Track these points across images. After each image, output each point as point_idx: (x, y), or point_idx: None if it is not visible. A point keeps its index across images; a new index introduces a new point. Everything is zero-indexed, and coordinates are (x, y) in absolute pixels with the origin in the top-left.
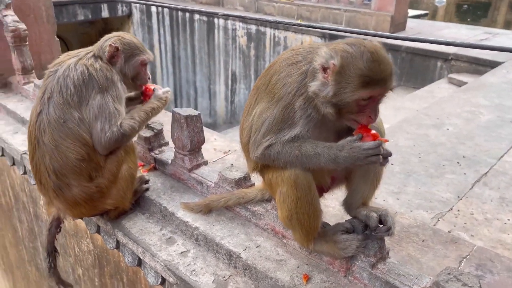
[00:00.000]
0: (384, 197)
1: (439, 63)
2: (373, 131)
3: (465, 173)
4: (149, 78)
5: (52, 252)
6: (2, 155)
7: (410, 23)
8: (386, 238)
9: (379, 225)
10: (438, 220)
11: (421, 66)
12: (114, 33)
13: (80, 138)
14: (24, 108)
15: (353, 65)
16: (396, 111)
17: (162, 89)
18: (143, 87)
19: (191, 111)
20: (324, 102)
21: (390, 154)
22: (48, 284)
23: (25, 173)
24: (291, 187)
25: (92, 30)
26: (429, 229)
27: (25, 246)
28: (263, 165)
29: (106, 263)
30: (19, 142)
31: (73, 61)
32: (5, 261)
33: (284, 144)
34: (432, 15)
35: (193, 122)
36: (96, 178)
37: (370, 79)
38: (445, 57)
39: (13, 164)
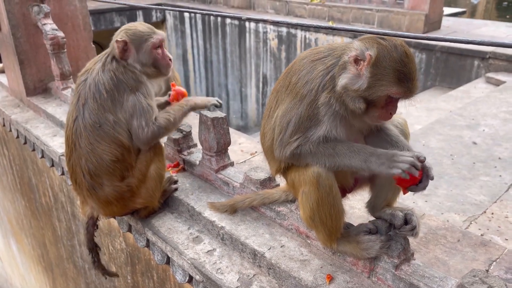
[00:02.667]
0: (413, 199)
1: (476, 62)
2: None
3: (500, 175)
4: (170, 60)
5: (93, 248)
6: (42, 156)
7: (446, 21)
8: (413, 240)
9: (404, 225)
10: (470, 223)
11: (457, 66)
12: (121, 28)
13: (116, 140)
14: (62, 112)
15: (389, 57)
16: (430, 112)
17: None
18: (173, 91)
19: (217, 113)
20: (355, 96)
21: (424, 187)
22: (85, 281)
23: (63, 174)
24: (313, 187)
25: None
26: (458, 231)
27: (64, 244)
28: (286, 167)
29: (137, 261)
30: (58, 145)
31: (99, 67)
32: (45, 259)
33: (318, 143)
34: (471, 13)
35: (220, 124)
36: (127, 178)
37: (405, 75)
38: (482, 56)
39: (52, 165)
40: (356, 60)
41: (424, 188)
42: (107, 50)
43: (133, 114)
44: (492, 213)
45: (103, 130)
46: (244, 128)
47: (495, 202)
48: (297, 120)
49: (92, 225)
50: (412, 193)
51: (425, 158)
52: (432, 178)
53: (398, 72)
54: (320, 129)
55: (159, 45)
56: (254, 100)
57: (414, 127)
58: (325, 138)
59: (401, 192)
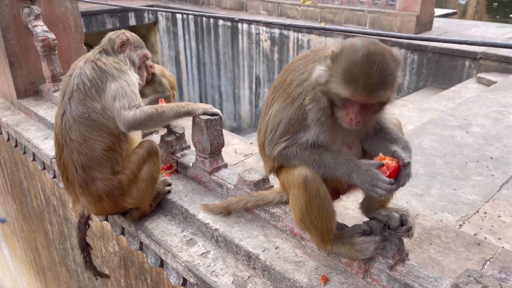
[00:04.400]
0: (407, 199)
1: (467, 63)
2: (394, 164)
3: (492, 175)
4: (152, 74)
5: (85, 248)
6: (34, 159)
7: (437, 22)
8: (407, 240)
9: (400, 226)
10: (464, 223)
11: (448, 66)
12: (120, 31)
13: (105, 128)
14: (53, 114)
15: (346, 55)
16: (422, 112)
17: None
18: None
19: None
20: (321, 92)
21: (399, 186)
22: (77, 285)
23: (54, 177)
24: (300, 189)
25: None
26: (452, 231)
27: (56, 247)
28: (279, 166)
29: (131, 264)
30: (49, 147)
31: (82, 61)
32: (37, 263)
33: (305, 147)
34: (462, 14)
35: (213, 125)
36: (119, 172)
37: (353, 76)
38: (473, 56)
39: (44, 168)
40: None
41: (389, 191)
42: (96, 48)
43: (115, 97)
44: (485, 213)
45: (92, 119)
46: (237, 130)
47: (488, 201)
48: (287, 122)
49: (84, 223)
50: (406, 192)
51: (409, 162)
52: (402, 185)
53: (348, 72)
54: (309, 133)
55: (147, 58)
56: (247, 101)
57: (406, 127)
58: (313, 143)
59: (395, 194)
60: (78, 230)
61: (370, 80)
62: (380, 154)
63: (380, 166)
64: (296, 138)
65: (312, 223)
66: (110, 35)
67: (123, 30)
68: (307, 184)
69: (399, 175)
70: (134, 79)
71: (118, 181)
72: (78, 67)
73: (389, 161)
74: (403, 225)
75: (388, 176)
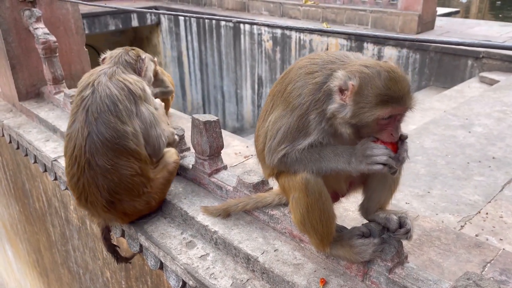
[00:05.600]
0: (408, 200)
1: (469, 62)
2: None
3: (494, 175)
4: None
5: (114, 251)
6: (35, 162)
7: (439, 21)
8: (406, 242)
9: (398, 229)
10: (465, 224)
11: (451, 66)
12: (126, 48)
13: (134, 153)
14: (55, 116)
15: (371, 84)
16: (424, 112)
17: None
18: None
19: (210, 117)
20: (342, 123)
21: (399, 162)
22: (79, 286)
23: (55, 179)
24: (302, 193)
25: (123, 39)
26: (452, 232)
27: (58, 249)
28: (278, 171)
29: (131, 266)
30: (50, 150)
31: (105, 80)
32: (40, 264)
33: (303, 150)
34: (465, 12)
35: (212, 127)
36: (145, 193)
37: (389, 97)
38: (476, 55)
39: (45, 170)
40: (341, 90)
41: (399, 162)
42: (108, 65)
43: (150, 124)
44: (487, 213)
45: (121, 144)
46: (239, 130)
47: (490, 202)
48: (286, 130)
49: (107, 232)
50: (407, 192)
51: (406, 135)
52: (402, 160)
53: (381, 96)
54: (309, 139)
55: (156, 65)
56: (250, 101)
57: (408, 127)
58: (311, 145)
59: (394, 194)
60: (104, 240)
61: (402, 93)
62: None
63: (375, 139)
64: (295, 145)
65: (312, 226)
66: (125, 53)
67: (136, 50)
68: (308, 188)
69: (398, 151)
70: (153, 100)
71: (146, 202)
72: (102, 84)
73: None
74: (402, 227)
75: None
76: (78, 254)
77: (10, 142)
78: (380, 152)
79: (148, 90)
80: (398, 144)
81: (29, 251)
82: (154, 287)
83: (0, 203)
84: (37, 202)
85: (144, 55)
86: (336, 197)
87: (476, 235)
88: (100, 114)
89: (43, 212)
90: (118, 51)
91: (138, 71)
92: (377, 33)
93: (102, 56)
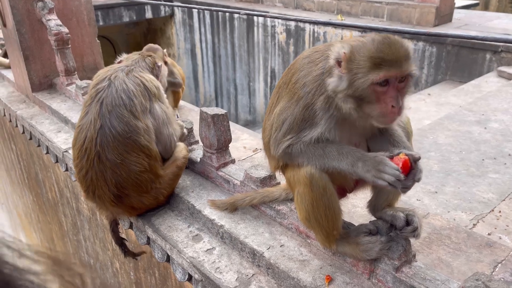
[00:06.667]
0: (419, 197)
1: (488, 56)
2: (404, 157)
3: (510, 173)
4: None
5: (122, 244)
6: (47, 152)
7: (457, 14)
8: (415, 241)
9: (406, 226)
10: (478, 222)
11: (468, 59)
12: (143, 53)
13: (145, 149)
14: (66, 108)
15: (363, 49)
16: (439, 106)
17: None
18: None
19: (218, 110)
20: (343, 98)
21: (407, 186)
22: (90, 276)
23: (67, 170)
24: (306, 187)
25: (137, 30)
26: (463, 231)
27: (70, 239)
28: (284, 164)
29: (139, 258)
30: (61, 141)
31: (123, 75)
32: (53, 253)
33: (308, 143)
34: (485, 5)
35: (220, 121)
36: (153, 189)
37: (381, 59)
38: (494, 49)
39: (57, 161)
40: (338, 62)
41: (406, 188)
42: (126, 63)
43: (163, 122)
44: (500, 212)
45: (133, 139)
46: (252, 123)
47: (504, 200)
48: (292, 120)
49: (115, 225)
50: (419, 189)
51: (419, 157)
52: (418, 180)
53: (373, 59)
54: (314, 131)
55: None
56: (262, 94)
57: (423, 122)
58: (317, 140)
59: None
60: (112, 232)
61: (397, 54)
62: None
63: (390, 157)
64: (301, 136)
65: (317, 221)
66: (141, 59)
67: (154, 59)
68: (313, 182)
69: (411, 171)
70: (166, 100)
71: (154, 197)
72: (119, 78)
73: (398, 158)
74: (409, 225)
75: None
76: (89, 244)
77: (23, 132)
78: (390, 172)
79: (162, 90)
80: (411, 164)
81: (42, 240)
82: (162, 279)
83: (14, 192)
84: (50, 192)
85: (160, 61)
86: (343, 192)
87: (489, 234)
88: (114, 107)
89: (55, 202)
90: (135, 56)
91: (154, 75)
92: (389, 27)
93: (118, 59)
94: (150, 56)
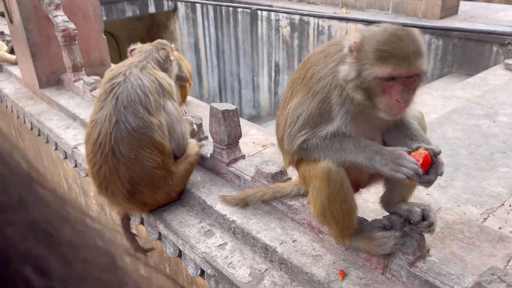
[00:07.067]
0: (429, 191)
1: (494, 48)
2: (424, 152)
3: None
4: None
5: (133, 240)
6: (56, 149)
7: (463, 6)
8: (428, 236)
9: (421, 221)
10: (488, 216)
11: (475, 52)
12: (157, 45)
13: (158, 145)
14: (74, 104)
15: (372, 39)
16: (446, 100)
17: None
18: None
19: (228, 106)
20: (352, 88)
21: (430, 181)
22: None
23: (76, 166)
24: (323, 182)
25: (140, 25)
26: (476, 226)
27: None
28: (298, 159)
29: (150, 253)
30: (70, 137)
31: (137, 71)
32: None
33: (324, 138)
34: None
35: (230, 116)
36: (166, 185)
37: (388, 53)
38: (501, 42)
39: (65, 157)
40: (351, 51)
41: (429, 182)
42: (138, 58)
43: (176, 119)
44: (510, 205)
45: (147, 135)
46: (256, 118)
47: None
48: (307, 115)
49: (127, 221)
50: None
51: (440, 151)
52: (441, 174)
53: (380, 51)
54: (331, 126)
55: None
56: (267, 89)
57: (430, 116)
58: (333, 134)
59: (417, 186)
60: (123, 229)
61: (406, 50)
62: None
63: (408, 152)
64: (316, 131)
65: (333, 216)
66: (155, 50)
67: (167, 52)
68: (330, 177)
69: (433, 165)
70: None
71: (167, 194)
72: (134, 74)
73: (418, 153)
74: (425, 220)
75: (420, 165)
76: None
77: (32, 129)
78: (409, 166)
79: (175, 88)
80: (432, 158)
81: None
82: (173, 274)
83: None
84: (58, 188)
85: (172, 56)
86: (357, 187)
87: (500, 228)
88: (130, 103)
89: (64, 198)
90: (148, 47)
91: (165, 70)
92: (392, 20)
93: (132, 46)
94: (164, 49)
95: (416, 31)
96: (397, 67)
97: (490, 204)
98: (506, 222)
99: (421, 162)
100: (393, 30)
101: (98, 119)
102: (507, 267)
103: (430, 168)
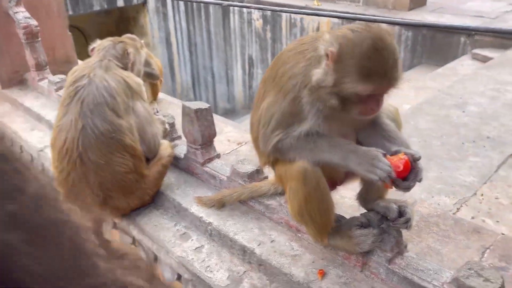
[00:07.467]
0: None
1: (462, 39)
2: (404, 158)
3: (489, 155)
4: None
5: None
6: (22, 152)
7: None
8: (405, 230)
9: (398, 218)
10: (461, 206)
11: (444, 43)
12: (114, 40)
13: (129, 149)
14: (39, 105)
15: (352, 52)
16: (418, 91)
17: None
18: None
19: (201, 104)
20: (327, 93)
21: (409, 187)
22: None
23: (43, 169)
24: (299, 182)
25: (109, 19)
26: (450, 218)
27: None
28: (274, 160)
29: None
30: (36, 140)
31: (101, 72)
32: None
33: (298, 138)
34: None
35: (203, 115)
36: (139, 189)
37: (370, 71)
38: (468, 33)
39: (32, 160)
40: (327, 55)
41: (408, 188)
42: (98, 57)
43: (146, 120)
44: (482, 195)
45: (116, 139)
46: (231, 111)
47: (485, 183)
48: (279, 116)
49: (99, 226)
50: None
51: (420, 156)
52: (419, 181)
53: (361, 69)
54: (303, 126)
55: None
56: (241, 82)
57: (402, 107)
58: (306, 134)
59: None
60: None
61: (387, 68)
62: (387, 156)
63: (384, 154)
64: (290, 131)
65: (310, 217)
66: (112, 46)
67: (126, 45)
68: (306, 177)
69: (412, 171)
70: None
71: (139, 198)
72: (99, 76)
73: (398, 158)
74: (402, 216)
75: (401, 171)
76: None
77: None
78: (384, 168)
79: (143, 87)
80: (411, 163)
81: None
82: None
83: None
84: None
85: (131, 48)
86: (333, 185)
87: (473, 218)
88: (96, 106)
89: None
90: (106, 43)
91: (125, 65)
92: (368, 16)
93: (92, 45)
94: (121, 42)
95: (385, 29)
96: (379, 85)
97: (463, 194)
98: (478, 212)
99: (401, 168)
100: (371, 41)
101: (62, 125)
102: (482, 259)
103: (410, 173)
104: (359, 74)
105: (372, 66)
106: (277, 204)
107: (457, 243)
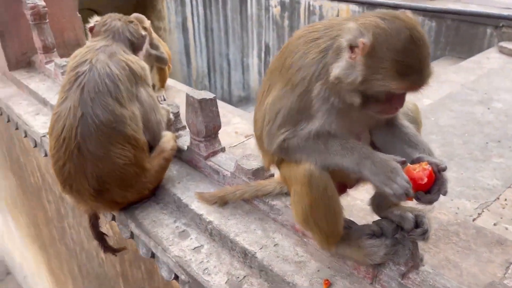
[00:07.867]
0: None
1: (488, 31)
2: (429, 168)
3: None
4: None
5: (101, 239)
6: (26, 136)
7: None
8: (421, 242)
9: (415, 228)
10: (483, 211)
11: (468, 34)
12: (125, 20)
13: (131, 139)
14: (45, 88)
15: (387, 46)
16: (439, 85)
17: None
18: None
19: (205, 94)
20: (349, 90)
21: (432, 201)
22: (77, 264)
23: (46, 155)
24: (305, 187)
25: (126, 3)
26: (472, 227)
27: (55, 226)
28: (279, 160)
29: (126, 250)
30: (40, 124)
31: (105, 57)
32: (39, 238)
33: (307, 138)
34: None
35: (208, 106)
36: (139, 183)
37: (407, 67)
38: (495, 24)
39: (35, 146)
40: (351, 47)
41: (430, 202)
42: (105, 41)
43: (150, 108)
44: (506, 200)
45: (117, 129)
46: (246, 99)
47: (509, 187)
48: (286, 112)
49: (95, 219)
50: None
51: (446, 167)
52: (444, 194)
53: (399, 64)
54: (312, 124)
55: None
56: (256, 70)
57: (423, 101)
58: (316, 133)
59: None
60: (91, 227)
61: (424, 64)
62: (409, 164)
63: (402, 162)
64: (297, 130)
65: (316, 224)
66: (125, 27)
67: (139, 28)
68: (312, 181)
69: (436, 182)
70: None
71: (138, 192)
72: (101, 61)
73: (422, 167)
74: (418, 227)
75: (424, 184)
76: (73, 232)
77: (1, 114)
78: (401, 184)
79: (149, 71)
80: (435, 174)
81: (28, 224)
82: (148, 273)
83: None
84: (32, 177)
85: (144, 32)
86: (343, 188)
87: (495, 224)
88: (98, 94)
89: (38, 187)
90: (114, 22)
91: (137, 49)
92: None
93: (90, 23)
94: (132, 22)
95: (415, 19)
96: (415, 83)
97: (485, 198)
98: (501, 218)
99: (425, 181)
100: (409, 32)
101: (61, 111)
102: (506, 275)
103: (433, 185)
104: (395, 70)
105: (410, 61)
106: (283, 205)
107: (479, 256)
